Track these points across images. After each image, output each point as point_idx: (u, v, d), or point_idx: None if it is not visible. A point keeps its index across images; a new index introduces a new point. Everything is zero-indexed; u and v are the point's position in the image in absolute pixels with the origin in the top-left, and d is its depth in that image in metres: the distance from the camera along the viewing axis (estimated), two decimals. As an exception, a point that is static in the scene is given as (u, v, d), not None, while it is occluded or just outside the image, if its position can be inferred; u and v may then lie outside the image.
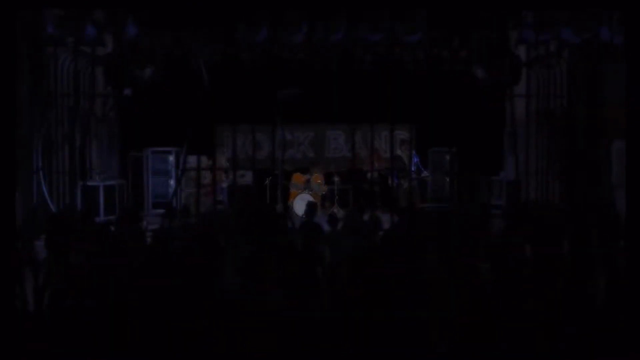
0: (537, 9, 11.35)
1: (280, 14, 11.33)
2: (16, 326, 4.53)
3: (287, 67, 12.05)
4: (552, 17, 11.29)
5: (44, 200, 11.02)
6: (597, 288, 4.89)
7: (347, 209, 12.48)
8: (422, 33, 11.52)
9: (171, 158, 13.64)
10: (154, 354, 4.40)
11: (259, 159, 13.52)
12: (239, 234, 6.51)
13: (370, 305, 4.42)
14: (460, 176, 13.13)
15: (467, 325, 4.35)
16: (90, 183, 12.01)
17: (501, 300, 4.61)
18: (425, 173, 13.88)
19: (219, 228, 6.98)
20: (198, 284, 4.74)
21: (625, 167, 5.76)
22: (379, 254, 5.47)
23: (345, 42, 11.63)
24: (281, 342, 4.36)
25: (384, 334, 4.31)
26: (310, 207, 9.05)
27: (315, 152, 15.01)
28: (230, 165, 12.99)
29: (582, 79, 11.98)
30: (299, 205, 12.40)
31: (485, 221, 8.18)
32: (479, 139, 12.69)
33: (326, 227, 7.75)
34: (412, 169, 13.28)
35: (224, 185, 13.28)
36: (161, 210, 11.24)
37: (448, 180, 13.73)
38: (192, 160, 12.43)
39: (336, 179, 13.34)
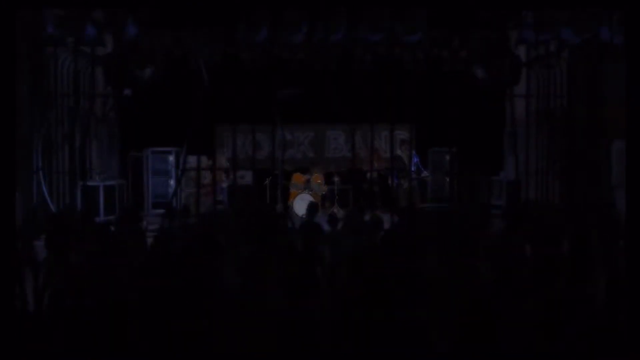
0: (537, 9, 11.35)
1: (280, 14, 11.33)
2: (16, 326, 4.53)
3: (287, 67, 12.05)
4: (552, 17, 11.28)
5: (44, 200, 11.02)
6: (597, 288, 4.89)
7: (347, 209, 12.48)
8: (422, 33, 11.52)
9: (171, 158, 13.64)
10: (154, 354, 4.40)
11: (259, 159, 13.53)
12: (239, 234, 6.50)
13: (370, 305, 4.42)
14: (460, 176, 13.13)
15: (467, 325, 4.35)
16: (90, 183, 12.00)
17: (501, 300, 4.61)
18: (425, 173, 13.88)
19: (219, 228, 6.97)
20: (198, 284, 4.74)
21: (625, 167, 5.76)
22: (379, 254, 5.47)
23: (345, 42, 11.63)
24: (281, 342, 4.36)
25: (384, 334, 4.31)
26: (312, 207, 9.05)
27: (315, 152, 15.02)
28: (231, 165, 12.99)
29: (582, 79, 11.98)
30: (299, 205, 12.41)
31: (485, 221, 8.17)
32: (479, 139, 12.70)
33: (326, 227, 7.75)
34: (412, 169, 13.28)
35: (224, 185, 13.29)
36: (161, 210, 11.24)
37: (448, 180, 13.74)
38: (192, 160, 12.43)
39: (336, 179, 13.34)
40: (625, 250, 5.34)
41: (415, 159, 13.47)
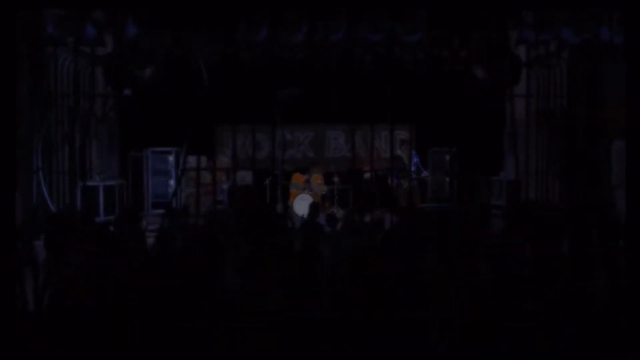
0: (537, 9, 11.36)
1: (280, 14, 11.33)
2: (16, 326, 4.53)
3: (287, 67, 12.05)
4: (552, 17, 11.29)
5: (44, 200, 11.02)
6: (597, 288, 4.89)
7: (347, 209, 12.48)
8: (422, 33, 11.52)
9: (171, 158, 13.64)
10: (154, 354, 4.40)
11: (259, 159, 13.52)
12: (239, 234, 6.50)
13: (370, 305, 4.42)
14: (460, 176, 13.13)
15: (467, 325, 4.35)
16: (90, 183, 12.00)
17: (501, 300, 4.61)
18: (425, 173, 13.88)
19: (219, 228, 6.97)
20: (198, 284, 4.73)
21: (625, 167, 5.76)
22: (379, 254, 5.47)
23: (345, 42, 11.63)
24: (281, 342, 4.36)
25: (384, 334, 4.31)
26: (313, 208, 9.07)
27: (315, 152, 15.01)
28: (231, 165, 12.99)
29: (582, 79, 11.98)
30: (299, 205, 12.41)
31: (485, 221, 8.18)
32: (479, 139, 12.70)
33: (326, 227, 7.76)
34: (412, 169, 13.28)
35: (224, 185, 13.29)
36: (161, 210, 11.23)
37: (448, 180, 13.73)
38: (192, 160, 12.43)
39: (336, 179, 13.34)
40: (625, 250, 5.34)
41: (415, 159, 13.47)
